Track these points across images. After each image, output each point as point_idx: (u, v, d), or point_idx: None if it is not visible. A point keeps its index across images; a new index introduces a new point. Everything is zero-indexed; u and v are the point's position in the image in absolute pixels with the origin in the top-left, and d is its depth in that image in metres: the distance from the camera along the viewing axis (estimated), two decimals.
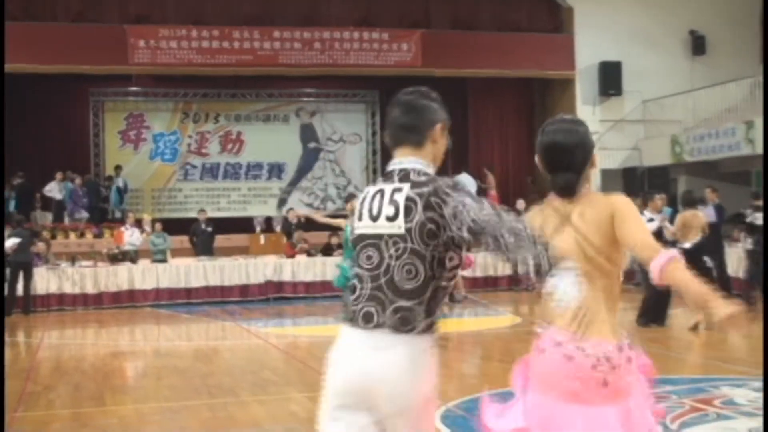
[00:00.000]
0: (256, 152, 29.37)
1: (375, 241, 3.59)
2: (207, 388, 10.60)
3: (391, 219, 3.53)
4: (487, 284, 22.89)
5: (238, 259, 21.88)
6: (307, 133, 29.93)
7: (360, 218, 3.67)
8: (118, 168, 27.05)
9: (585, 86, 26.35)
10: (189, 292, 21.18)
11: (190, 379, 11.27)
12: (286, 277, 21.73)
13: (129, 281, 20.87)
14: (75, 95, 27.32)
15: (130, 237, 22.08)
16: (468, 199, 3.41)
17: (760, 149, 21.90)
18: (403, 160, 3.66)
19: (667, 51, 26.56)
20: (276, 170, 29.60)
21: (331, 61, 25.01)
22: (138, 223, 23.12)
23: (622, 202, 3.75)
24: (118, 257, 21.30)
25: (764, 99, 19.40)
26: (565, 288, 3.42)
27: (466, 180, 26.44)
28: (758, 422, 7.71)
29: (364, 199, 3.69)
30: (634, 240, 3.63)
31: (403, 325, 3.49)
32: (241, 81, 27.69)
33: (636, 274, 18.08)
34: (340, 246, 21.88)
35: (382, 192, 3.62)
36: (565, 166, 3.86)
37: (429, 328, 3.54)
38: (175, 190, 28.88)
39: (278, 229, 24.50)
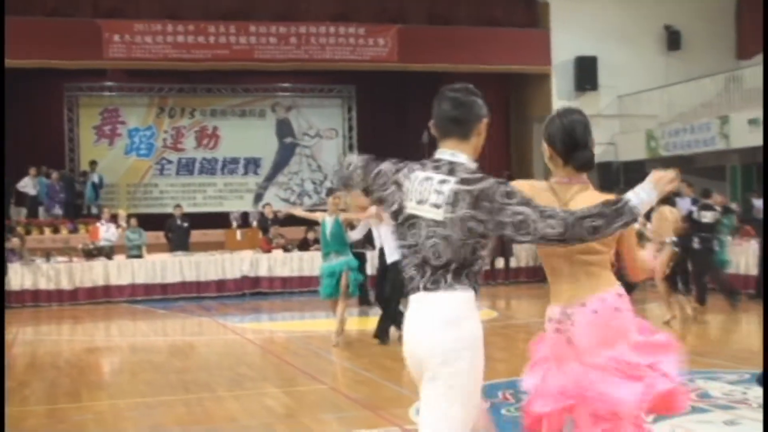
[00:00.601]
0: (232, 147, 29.30)
1: (417, 221, 4.03)
2: (183, 383, 10.57)
3: (436, 206, 3.96)
4: None
5: (214, 255, 21.84)
6: (283, 128, 29.89)
7: (409, 199, 4.07)
8: (93, 163, 26.93)
9: (561, 81, 26.40)
10: (165, 287, 21.14)
11: (166, 375, 11.24)
12: (263, 272, 21.73)
13: (104, 277, 20.80)
14: (49, 90, 27.18)
15: (106, 232, 22.01)
16: (527, 209, 3.83)
17: (734, 144, 22.04)
18: (448, 151, 4.10)
19: (643, 46, 26.66)
20: (252, 165, 29.54)
21: (307, 56, 24.98)
22: (113, 219, 23.04)
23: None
24: (93, 253, 21.20)
25: (764, 93, 19.43)
26: None
27: None
28: (732, 415, 7.76)
29: (413, 181, 4.09)
30: (628, 253, 4.43)
31: (433, 285, 3.98)
32: (216, 76, 27.59)
33: None
34: (316, 241, 21.84)
35: (430, 179, 4.03)
36: (584, 145, 4.36)
37: (460, 288, 3.97)
38: (150, 186, 28.78)
39: (254, 224, 24.47)
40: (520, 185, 4.23)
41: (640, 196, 4.00)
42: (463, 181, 3.94)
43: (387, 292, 12.75)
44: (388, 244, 12.62)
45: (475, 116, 4.19)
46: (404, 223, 4.10)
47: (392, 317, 12.74)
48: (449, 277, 3.96)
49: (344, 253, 12.94)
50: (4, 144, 17.56)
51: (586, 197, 4.26)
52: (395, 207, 4.14)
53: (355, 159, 4.45)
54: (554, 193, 4.37)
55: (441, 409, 3.97)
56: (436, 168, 4.05)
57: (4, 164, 20.54)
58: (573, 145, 4.35)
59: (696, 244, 15.78)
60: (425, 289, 4.00)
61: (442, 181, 3.98)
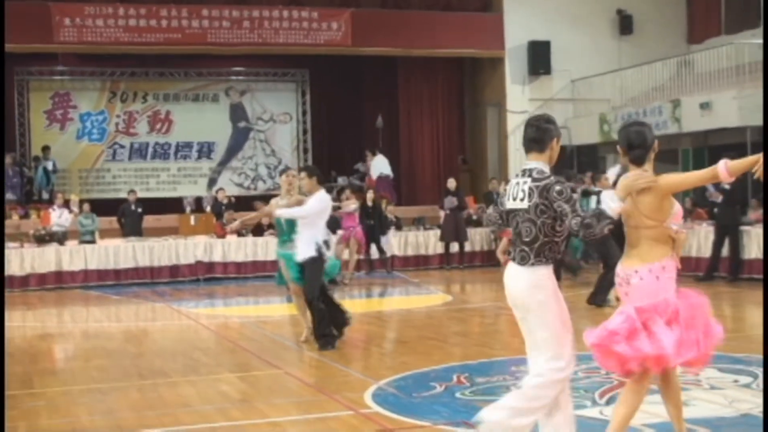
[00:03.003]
0: (186, 132, 29.15)
1: (515, 213, 5.96)
2: (137, 369, 10.53)
3: (521, 200, 5.89)
4: (419, 263, 22.98)
5: (168, 240, 21.72)
6: (237, 113, 29.77)
7: (508, 199, 6.01)
8: (46, 149, 26.64)
9: (514, 65, 26.46)
10: (118, 273, 20.99)
11: (120, 361, 11.19)
12: (217, 257, 21.63)
13: (56, 263, 20.63)
14: None
15: (59, 218, 21.81)
16: (567, 206, 5.71)
17: (686, 128, 22.22)
18: (530, 162, 5.96)
19: (595, 30, 26.77)
20: (206, 150, 29.40)
21: (261, 40, 24.84)
22: (66, 204, 22.84)
23: (664, 176, 5.87)
24: (45, 238, 21.01)
25: (764, 77, 19.55)
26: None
27: (382, 162, 26.71)
28: (684, 396, 7.81)
29: (510, 186, 6.03)
30: (687, 179, 6.13)
31: (522, 261, 5.89)
32: (169, 60, 27.42)
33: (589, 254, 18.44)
34: (271, 226, 21.81)
35: (518, 183, 5.93)
36: (637, 146, 5.96)
37: (538, 263, 5.83)
38: (103, 171, 28.57)
39: (208, 209, 24.36)
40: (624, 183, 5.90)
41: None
42: (534, 180, 5.84)
43: (309, 292, 11.26)
44: (302, 239, 11.27)
45: (549, 137, 5.98)
46: (507, 216, 6.09)
47: (324, 316, 11.40)
48: (532, 255, 5.82)
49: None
50: (3, 135, 17.28)
51: (630, 179, 5.80)
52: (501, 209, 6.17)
53: (492, 213, 6.37)
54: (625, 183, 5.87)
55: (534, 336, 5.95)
56: (522, 174, 5.94)
57: (3, 156, 20.24)
58: (629, 146, 5.97)
59: None
60: (517, 262, 5.91)
61: (524, 182, 5.89)
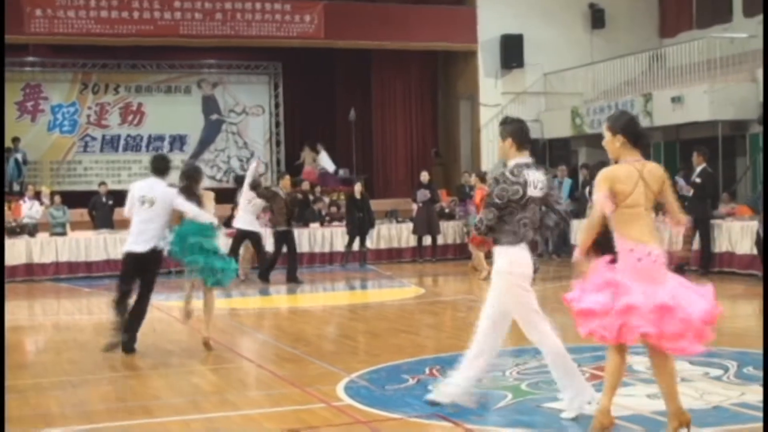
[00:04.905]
0: (158, 124, 29.04)
1: (533, 199, 7.00)
2: (108, 361, 10.47)
3: (541, 189, 7.03)
4: (391, 256, 22.98)
5: None
6: (209, 105, 29.68)
7: (530, 187, 6.98)
8: (16, 140, 26.48)
9: (487, 59, 26.48)
10: (89, 265, 20.90)
11: (91, 353, 11.12)
12: None
13: (27, 255, 20.52)
14: None
15: (30, 210, 21.69)
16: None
17: (657, 122, 22.32)
18: (530, 157, 7.14)
19: (568, 24, 26.83)
20: (178, 142, 29.31)
21: (233, 32, 24.75)
22: (37, 196, 22.72)
23: (666, 176, 6.56)
24: (15, 230, 20.89)
25: (764, 76, 19.63)
26: None
27: (326, 159, 26.88)
28: (655, 388, 7.86)
29: (530, 176, 6.98)
30: (671, 206, 6.51)
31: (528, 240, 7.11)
32: (141, 51, 27.28)
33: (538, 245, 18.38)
34: None
35: (536, 174, 7.01)
36: (645, 134, 6.74)
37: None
38: (74, 163, 28.42)
39: None
40: (612, 169, 6.44)
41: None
42: (544, 173, 7.13)
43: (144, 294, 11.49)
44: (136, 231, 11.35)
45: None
46: (526, 203, 6.97)
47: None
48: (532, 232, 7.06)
49: None
50: (3, 132, 17.13)
51: (651, 167, 6.48)
52: (519, 196, 6.93)
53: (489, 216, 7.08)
54: (636, 169, 6.40)
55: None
56: (530, 167, 7.05)
57: (3, 150, 20.04)
58: (641, 138, 6.61)
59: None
60: (530, 240, 7.03)
61: (540, 174, 7.07)
